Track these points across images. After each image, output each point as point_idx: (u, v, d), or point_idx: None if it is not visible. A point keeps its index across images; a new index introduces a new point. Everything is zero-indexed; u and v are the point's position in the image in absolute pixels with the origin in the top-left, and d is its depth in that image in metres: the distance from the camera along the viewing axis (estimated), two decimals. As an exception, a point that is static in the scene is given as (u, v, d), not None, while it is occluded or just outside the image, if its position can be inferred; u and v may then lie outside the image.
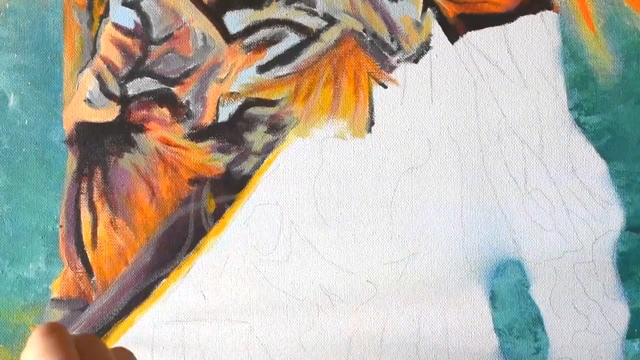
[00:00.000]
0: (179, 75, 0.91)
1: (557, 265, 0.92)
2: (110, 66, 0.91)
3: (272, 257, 0.91)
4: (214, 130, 0.91)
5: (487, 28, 0.93)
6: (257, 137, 0.92)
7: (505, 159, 0.92)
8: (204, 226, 0.91)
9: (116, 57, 0.91)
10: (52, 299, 0.91)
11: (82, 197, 0.91)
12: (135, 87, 0.91)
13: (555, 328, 0.92)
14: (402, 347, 0.92)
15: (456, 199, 0.92)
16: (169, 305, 0.91)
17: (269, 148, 0.92)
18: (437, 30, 0.93)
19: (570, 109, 0.93)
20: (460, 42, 0.92)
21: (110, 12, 0.91)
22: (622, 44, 0.93)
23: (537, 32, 0.92)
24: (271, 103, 0.92)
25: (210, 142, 0.91)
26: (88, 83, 0.91)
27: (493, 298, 0.92)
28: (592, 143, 0.93)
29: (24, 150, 0.91)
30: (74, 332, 0.91)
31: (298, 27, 0.92)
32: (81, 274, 0.91)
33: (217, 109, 0.91)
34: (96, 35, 0.91)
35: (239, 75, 0.91)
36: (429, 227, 0.92)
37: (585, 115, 0.93)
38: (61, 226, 0.91)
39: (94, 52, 0.91)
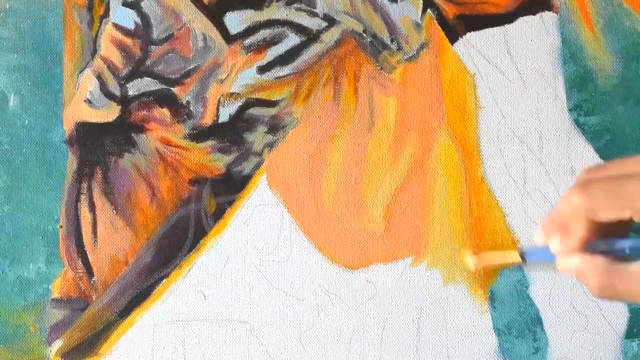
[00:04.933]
0: (179, 76, 0.91)
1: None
2: (111, 66, 0.91)
3: (273, 257, 0.92)
4: (215, 131, 0.91)
5: (487, 29, 0.93)
6: (257, 138, 0.92)
7: (505, 159, 0.93)
8: (204, 226, 0.91)
9: (116, 58, 0.91)
10: (53, 299, 0.91)
11: (83, 197, 0.91)
12: (135, 87, 0.91)
13: (554, 328, 0.92)
14: (402, 347, 0.92)
15: (457, 199, 0.92)
16: (169, 305, 0.91)
17: (269, 148, 0.92)
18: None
19: (569, 110, 0.93)
20: (460, 42, 0.93)
21: (110, 12, 0.91)
22: (622, 44, 0.93)
23: (536, 33, 0.93)
24: (271, 103, 0.92)
25: (210, 143, 0.91)
26: (88, 83, 0.91)
27: (492, 298, 0.92)
28: (591, 144, 0.93)
29: (24, 150, 0.91)
30: (75, 332, 0.91)
31: (298, 28, 0.92)
32: (81, 274, 0.91)
33: (218, 109, 0.91)
34: (96, 36, 0.91)
35: (240, 75, 0.91)
36: (430, 226, 0.92)
37: (584, 116, 0.93)
38: (61, 226, 0.91)
39: (94, 52, 0.91)
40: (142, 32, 0.91)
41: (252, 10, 0.91)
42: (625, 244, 0.52)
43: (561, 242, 0.53)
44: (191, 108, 0.91)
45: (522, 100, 0.93)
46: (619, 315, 0.93)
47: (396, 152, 0.92)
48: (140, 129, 0.91)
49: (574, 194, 0.51)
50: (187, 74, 0.91)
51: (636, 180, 0.50)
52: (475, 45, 0.93)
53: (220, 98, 0.91)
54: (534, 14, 0.93)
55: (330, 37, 0.92)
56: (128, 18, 0.91)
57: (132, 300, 0.91)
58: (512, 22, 0.93)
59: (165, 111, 0.91)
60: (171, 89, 0.91)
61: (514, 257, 0.56)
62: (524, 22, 0.93)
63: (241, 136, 0.92)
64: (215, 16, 0.91)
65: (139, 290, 0.91)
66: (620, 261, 0.52)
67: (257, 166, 0.92)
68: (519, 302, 0.93)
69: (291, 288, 0.92)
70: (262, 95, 0.92)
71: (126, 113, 0.91)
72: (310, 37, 0.92)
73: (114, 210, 0.91)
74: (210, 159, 0.91)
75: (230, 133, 0.91)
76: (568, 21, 0.93)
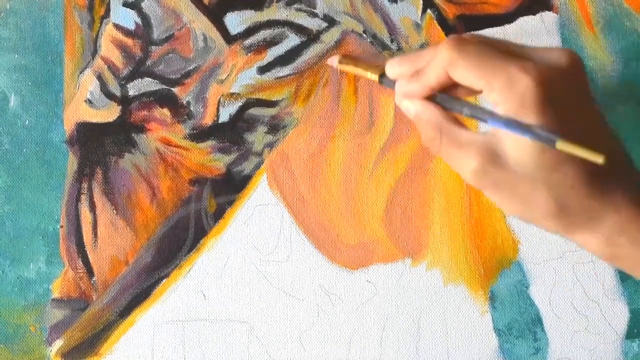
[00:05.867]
0: (179, 76, 0.91)
1: (557, 265, 0.93)
2: (111, 67, 0.91)
3: (273, 257, 0.92)
4: (215, 131, 0.91)
5: (487, 29, 0.93)
6: (257, 138, 0.92)
7: (505, 160, 0.92)
8: (204, 226, 0.91)
9: (117, 58, 0.91)
10: (53, 299, 0.91)
11: (83, 197, 0.91)
12: (136, 87, 0.91)
13: (554, 328, 0.92)
14: (402, 347, 0.92)
15: (458, 198, 0.92)
16: (169, 305, 0.91)
17: (269, 148, 0.92)
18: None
19: (569, 110, 0.93)
20: (460, 43, 0.92)
21: (111, 12, 0.91)
22: (622, 45, 0.93)
23: (536, 33, 0.93)
24: (271, 104, 0.92)
25: (210, 143, 0.92)
26: (89, 83, 0.91)
27: (493, 298, 0.92)
28: (591, 144, 0.93)
29: (24, 150, 0.91)
30: (74, 331, 0.91)
31: (298, 28, 0.92)
32: (82, 274, 0.91)
33: (218, 109, 0.91)
34: (97, 36, 0.92)
35: (240, 76, 0.92)
36: (430, 226, 0.92)
37: (584, 116, 0.93)
38: (62, 226, 0.91)
39: (94, 52, 0.91)
40: (143, 32, 0.91)
41: (252, 11, 0.92)
42: (465, 106, 0.55)
43: (409, 83, 0.56)
44: (191, 108, 0.91)
45: (522, 101, 0.92)
46: (620, 316, 0.93)
47: (396, 152, 0.92)
48: (141, 129, 0.91)
49: (445, 46, 0.53)
50: (188, 74, 0.91)
51: (509, 59, 0.51)
52: (476, 46, 0.93)
53: (220, 98, 0.91)
54: (533, 14, 0.93)
55: (331, 37, 0.92)
56: (128, 18, 0.92)
57: (132, 300, 0.91)
58: (511, 23, 0.93)
59: (166, 111, 0.91)
60: (171, 89, 0.91)
61: (372, 77, 0.62)
62: (524, 22, 0.93)
63: (241, 136, 0.92)
64: (216, 16, 0.91)
65: (139, 290, 0.91)
66: (455, 123, 0.55)
67: (257, 166, 0.92)
68: (520, 302, 0.93)
69: (291, 288, 0.92)
70: (262, 96, 0.92)
71: (126, 113, 0.91)
72: (311, 37, 0.92)
73: (114, 210, 0.91)
74: (210, 159, 0.92)
75: (230, 133, 0.92)
76: (568, 21, 0.93)
